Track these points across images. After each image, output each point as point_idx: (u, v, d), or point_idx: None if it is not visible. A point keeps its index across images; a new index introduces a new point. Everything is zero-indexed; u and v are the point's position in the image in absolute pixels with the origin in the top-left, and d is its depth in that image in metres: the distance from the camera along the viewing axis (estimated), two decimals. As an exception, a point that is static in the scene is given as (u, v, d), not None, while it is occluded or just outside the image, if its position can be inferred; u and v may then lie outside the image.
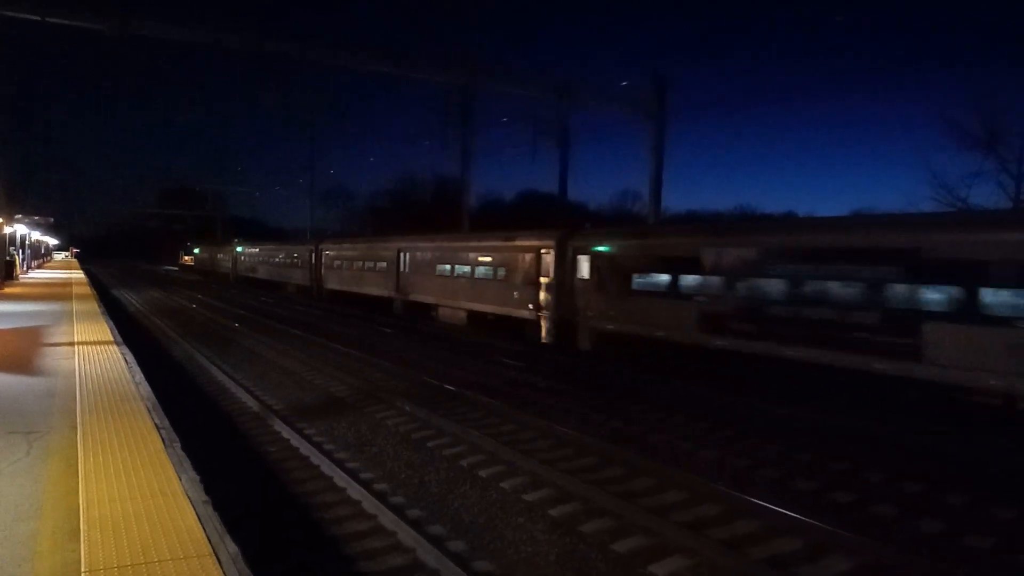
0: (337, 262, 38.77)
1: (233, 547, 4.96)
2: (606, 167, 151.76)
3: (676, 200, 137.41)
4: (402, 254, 31.19)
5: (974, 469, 10.08)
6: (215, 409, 13.65)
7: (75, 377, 11.09)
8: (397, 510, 8.17)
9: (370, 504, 8.39)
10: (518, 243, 22.80)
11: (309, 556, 7.24)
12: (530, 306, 21.85)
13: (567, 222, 29.05)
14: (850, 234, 13.62)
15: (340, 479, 9.33)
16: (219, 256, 72.47)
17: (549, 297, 21.15)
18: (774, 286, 14.41)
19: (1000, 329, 11.04)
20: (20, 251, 48.21)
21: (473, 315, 25.72)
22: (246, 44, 26.56)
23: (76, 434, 7.79)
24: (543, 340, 21.34)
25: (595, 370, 17.84)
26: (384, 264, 32.79)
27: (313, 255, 42.07)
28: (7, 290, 31.87)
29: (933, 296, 11.95)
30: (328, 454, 10.42)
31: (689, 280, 16.41)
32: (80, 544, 4.95)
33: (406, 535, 7.48)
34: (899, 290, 12.38)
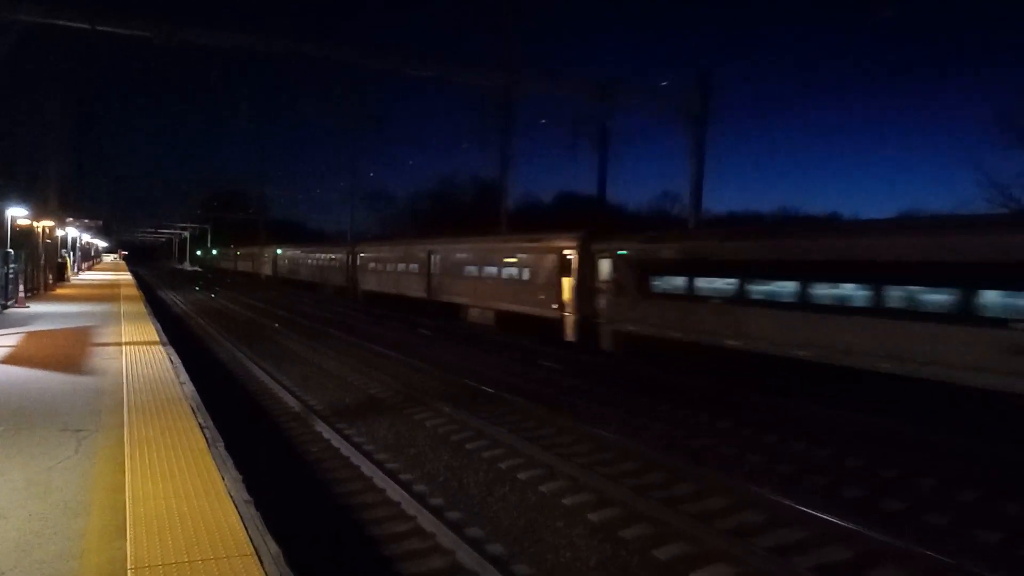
0: (667, 280, 18.37)
1: (275, 547, 4.98)
2: (646, 168, 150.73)
3: (717, 202, 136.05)
4: None
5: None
6: (259, 410, 13.82)
7: (122, 377, 11.31)
8: (437, 512, 8.16)
9: (410, 506, 8.39)
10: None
11: (350, 556, 7.26)
12: None
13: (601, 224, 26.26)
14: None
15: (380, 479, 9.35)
16: (321, 258, 51.52)
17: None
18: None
19: None
20: (71, 253, 49.59)
21: None
22: (289, 49, 26.88)
23: (123, 432, 7.93)
24: None
25: (635, 372, 17.65)
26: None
27: (571, 260, 22.50)
28: (59, 291, 32.78)
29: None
30: (368, 455, 10.46)
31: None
32: (126, 541, 5.01)
33: (446, 537, 7.46)
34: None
